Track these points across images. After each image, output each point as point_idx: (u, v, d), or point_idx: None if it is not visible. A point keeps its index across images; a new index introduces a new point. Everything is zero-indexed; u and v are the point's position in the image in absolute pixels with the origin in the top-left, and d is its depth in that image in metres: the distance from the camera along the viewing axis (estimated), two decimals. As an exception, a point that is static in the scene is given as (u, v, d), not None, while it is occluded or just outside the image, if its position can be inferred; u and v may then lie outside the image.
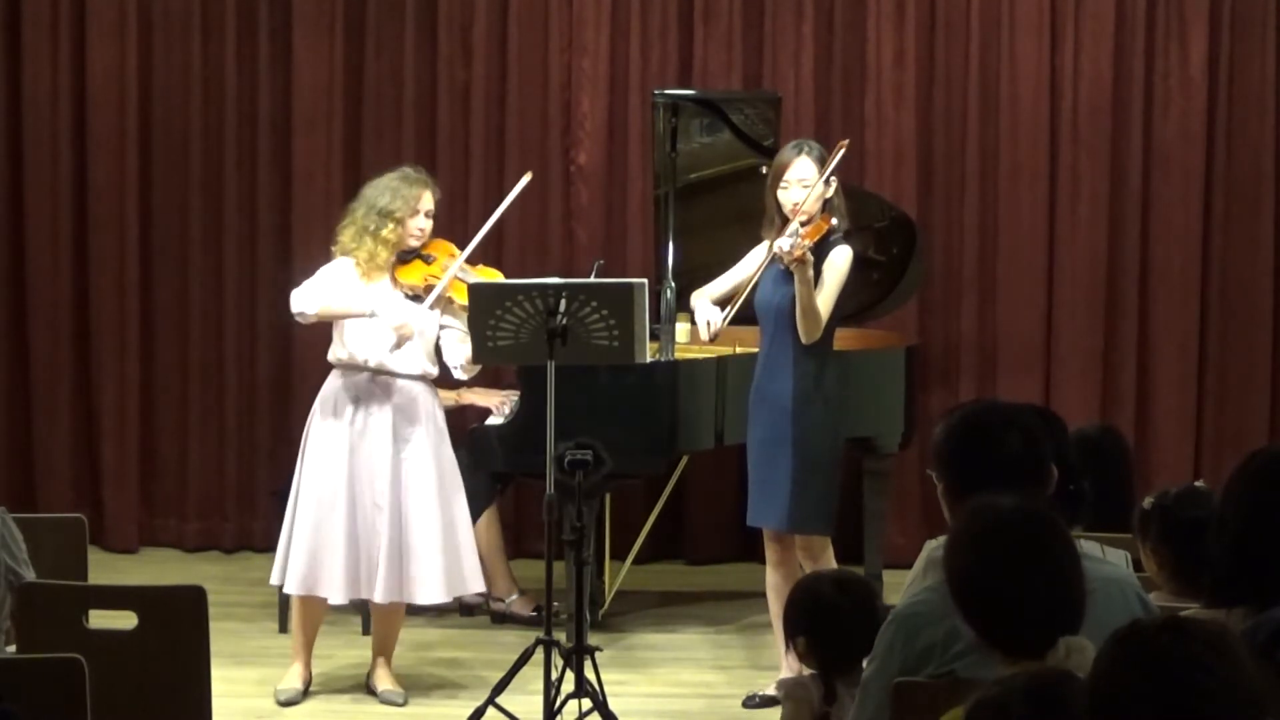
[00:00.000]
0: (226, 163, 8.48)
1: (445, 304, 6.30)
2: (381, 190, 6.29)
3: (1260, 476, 3.59)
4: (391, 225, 6.23)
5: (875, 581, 6.97)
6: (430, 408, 6.31)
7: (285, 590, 6.30)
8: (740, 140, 7.38)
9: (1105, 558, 3.85)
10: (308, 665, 6.41)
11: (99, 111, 8.48)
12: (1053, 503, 3.52)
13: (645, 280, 6.07)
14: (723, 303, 6.24)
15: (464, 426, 7.62)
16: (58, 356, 8.56)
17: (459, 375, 6.45)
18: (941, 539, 3.99)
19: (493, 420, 7.12)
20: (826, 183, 6.12)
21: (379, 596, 6.20)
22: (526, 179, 6.43)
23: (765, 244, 6.20)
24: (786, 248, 5.93)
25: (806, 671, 4.37)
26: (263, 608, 7.29)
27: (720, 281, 6.35)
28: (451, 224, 8.41)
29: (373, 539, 6.18)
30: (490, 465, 7.08)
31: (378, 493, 6.19)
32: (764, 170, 6.40)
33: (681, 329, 7.17)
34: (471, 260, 6.36)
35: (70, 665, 3.85)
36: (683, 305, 7.03)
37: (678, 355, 6.99)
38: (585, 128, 8.40)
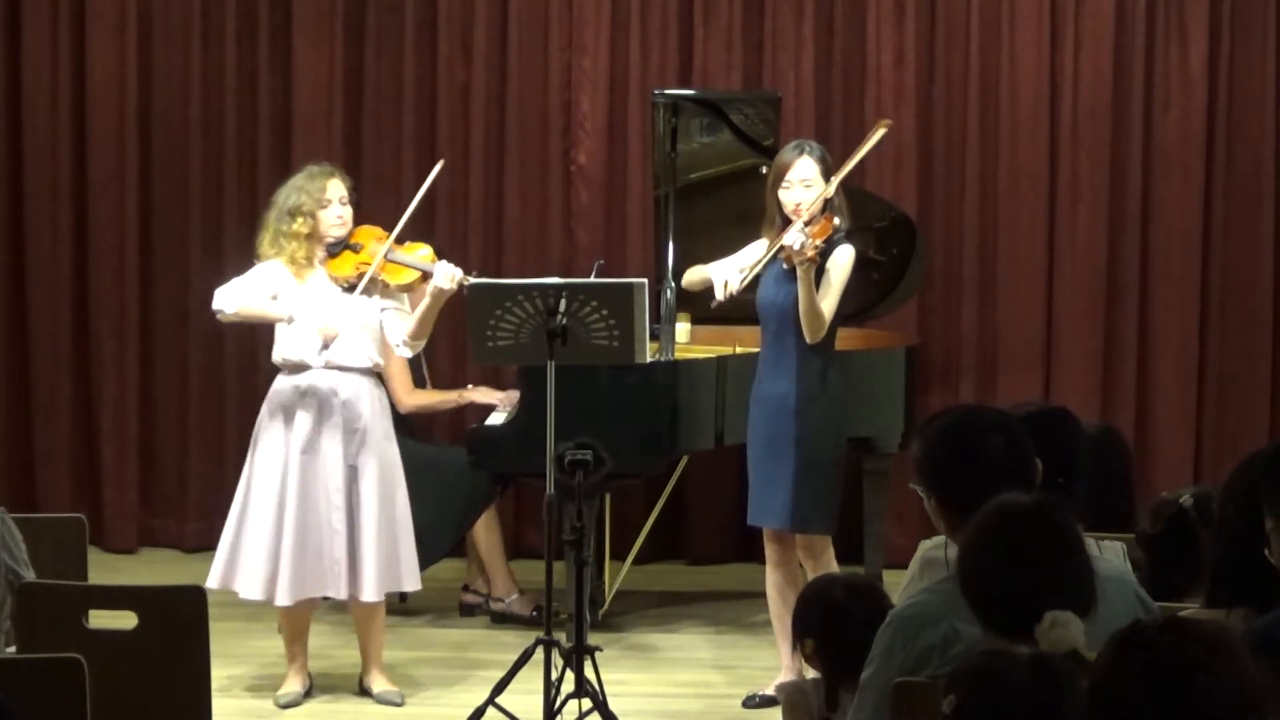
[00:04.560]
0: (226, 163, 8.48)
1: (381, 288, 6.21)
2: (288, 192, 6.23)
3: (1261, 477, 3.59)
4: (301, 219, 6.16)
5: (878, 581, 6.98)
6: (377, 401, 6.25)
7: (244, 596, 6.18)
8: (740, 140, 7.37)
9: (1102, 555, 3.86)
10: (305, 670, 6.41)
11: (99, 111, 8.48)
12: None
13: (645, 280, 6.06)
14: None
15: (464, 426, 7.63)
16: (58, 356, 8.56)
17: (402, 352, 6.40)
18: (936, 540, 4.01)
19: (493, 420, 7.12)
20: (829, 183, 6.11)
21: (341, 593, 6.17)
22: (440, 165, 6.34)
23: (763, 240, 6.18)
24: (797, 246, 5.89)
25: (809, 674, 4.34)
26: (262, 607, 7.27)
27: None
28: (452, 223, 8.45)
29: (332, 538, 6.12)
30: (490, 465, 7.08)
31: (333, 490, 6.12)
32: (764, 170, 6.39)
33: (682, 329, 7.17)
34: (400, 239, 6.25)
35: (70, 665, 3.85)
36: (683, 306, 7.04)
37: (678, 355, 6.99)
38: (585, 128, 8.40)
